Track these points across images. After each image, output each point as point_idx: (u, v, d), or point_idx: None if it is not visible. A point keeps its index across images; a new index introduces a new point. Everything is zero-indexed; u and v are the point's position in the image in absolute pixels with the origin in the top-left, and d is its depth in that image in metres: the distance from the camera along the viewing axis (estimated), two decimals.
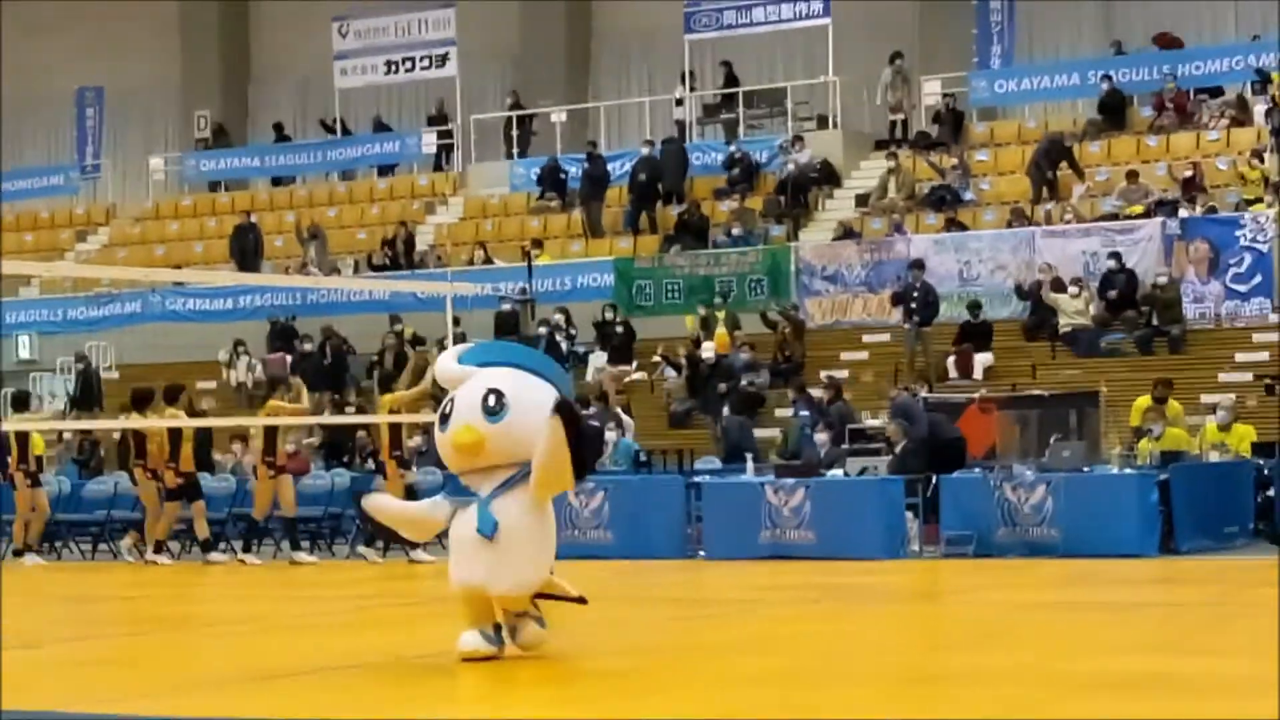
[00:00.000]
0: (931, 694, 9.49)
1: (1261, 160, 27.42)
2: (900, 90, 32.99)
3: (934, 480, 19.30)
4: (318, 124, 38.55)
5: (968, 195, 29.90)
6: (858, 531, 18.83)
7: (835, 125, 33.00)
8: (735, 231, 30.20)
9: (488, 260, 31.38)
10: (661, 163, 31.97)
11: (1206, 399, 23.37)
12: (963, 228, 28.64)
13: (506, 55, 37.67)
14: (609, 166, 32.79)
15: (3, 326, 32.97)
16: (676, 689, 9.75)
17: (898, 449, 20.30)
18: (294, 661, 11.21)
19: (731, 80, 34.67)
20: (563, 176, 33.52)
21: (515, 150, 35.60)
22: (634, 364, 28.42)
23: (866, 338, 27.82)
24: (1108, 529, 18.17)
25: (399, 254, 32.39)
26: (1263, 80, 29.90)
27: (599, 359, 28.32)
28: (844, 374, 26.40)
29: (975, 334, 26.63)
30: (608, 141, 35.44)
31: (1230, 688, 9.35)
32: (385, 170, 37.42)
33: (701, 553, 19.67)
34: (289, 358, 30.28)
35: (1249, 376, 24.49)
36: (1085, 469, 18.98)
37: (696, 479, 20.80)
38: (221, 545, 21.95)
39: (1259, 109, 29.55)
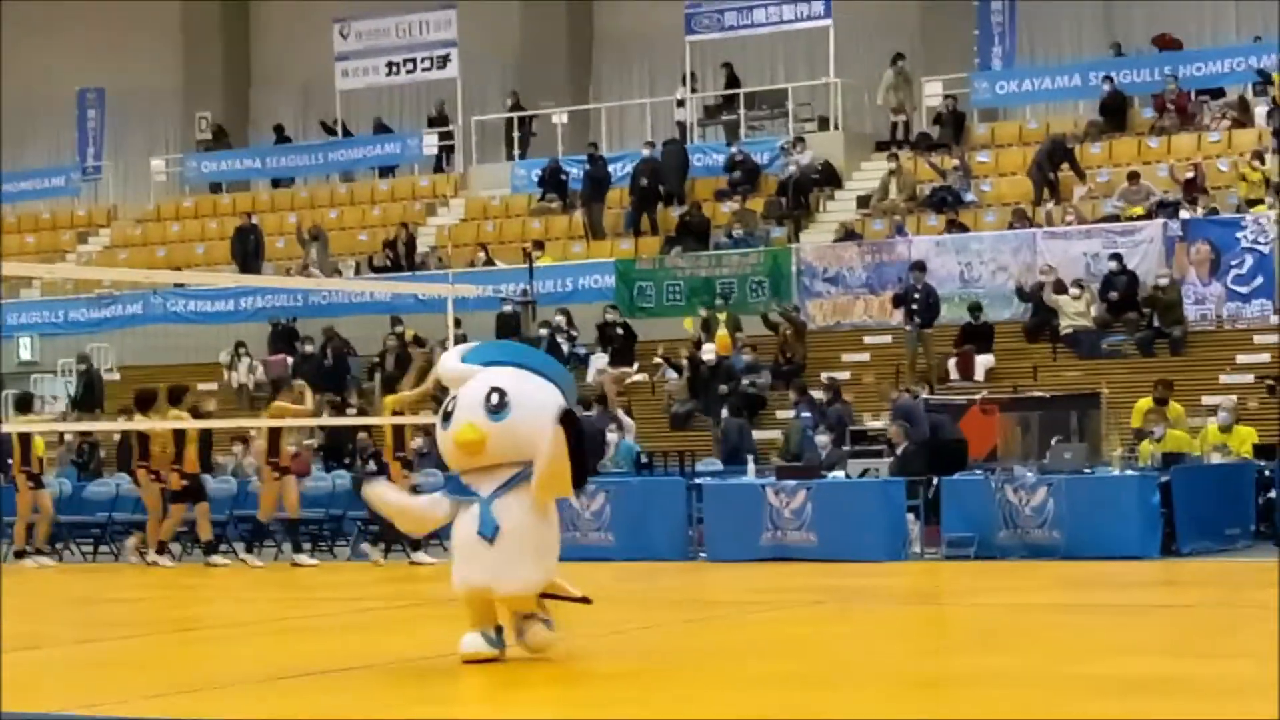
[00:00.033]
0: (934, 696, 9.50)
1: (1263, 161, 27.40)
2: (901, 91, 32.99)
3: (935, 482, 19.30)
4: (319, 125, 38.55)
5: (969, 197, 29.88)
6: (859, 533, 18.81)
7: (836, 127, 32.99)
8: (736, 233, 30.20)
9: (489, 262, 31.38)
10: (663, 164, 31.97)
11: (1208, 400, 23.35)
12: (964, 229, 28.63)
13: (507, 57, 37.66)
14: (610, 168, 32.77)
15: (4, 328, 32.97)
16: (678, 691, 9.75)
17: (899, 451, 20.30)
18: (296, 663, 11.21)
19: (733, 81, 34.67)
20: (564, 178, 33.52)
21: (516, 152, 35.61)
22: (635, 365, 28.42)
23: (868, 339, 27.80)
24: (1109, 531, 18.16)
25: (400, 255, 32.39)
26: (1264, 81, 29.91)
27: (600, 360, 28.32)
28: (845, 375, 26.39)
29: (976, 335, 26.62)
30: (609, 143, 35.44)
31: (1233, 690, 9.35)
32: (386, 172, 37.42)
33: (703, 554, 19.66)
34: (290, 359, 30.30)
35: (1250, 378, 24.48)
36: (1086, 471, 18.96)
37: (698, 481, 20.80)
38: (222, 547, 21.95)
39: (1260, 110, 29.54)
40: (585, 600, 10.83)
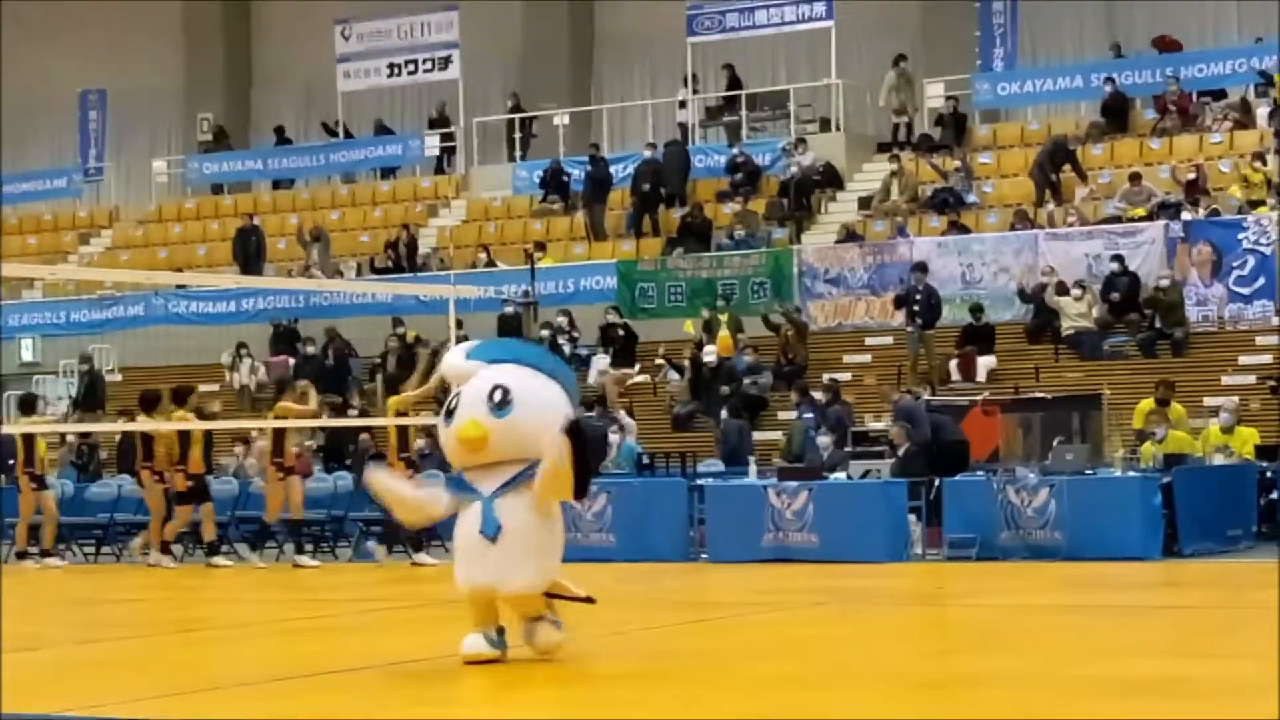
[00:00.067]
0: (936, 697, 9.49)
1: (1264, 163, 27.40)
2: (903, 93, 32.98)
3: (937, 483, 19.30)
4: (320, 126, 38.56)
5: (970, 198, 29.88)
6: (860, 534, 18.81)
7: (838, 128, 32.99)
8: (738, 234, 30.19)
9: (490, 263, 31.37)
10: (664, 165, 31.97)
11: (1209, 401, 23.35)
12: (965, 230, 28.62)
13: (509, 58, 37.65)
14: (611, 169, 32.76)
15: (5, 329, 32.98)
16: (679, 692, 9.75)
17: (901, 452, 20.30)
18: (298, 664, 11.21)
19: (734, 83, 34.65)
20: (565, 179, 33.52)
21: (518, 153, 35.61)
22: (636, 367, 28.42)
23: (869, 340, 27.80)
24: (1111, 532, 18.16)
25: (401, 257, 32.40)
26: (1265, 82, 29.90)
27: (601, 361, 28.31)
28: (846, 377, 26.38)
29: (978, 337, 26.62)
30: (610, 144, 35.44)
31: (1234, 690, 9.35)
32: (387, 173, 37.43)
33: (704, 556, 19.66)
34: (291, 360, 30.30)
35: (1252, 379, 24.47)
36: (1088, 472, 18.97)
37: (699, 482, 20.79)
38: (224, 548, 21.94)
39: (1262, 111, 29.54)
40: (589, 600, 10.82)
